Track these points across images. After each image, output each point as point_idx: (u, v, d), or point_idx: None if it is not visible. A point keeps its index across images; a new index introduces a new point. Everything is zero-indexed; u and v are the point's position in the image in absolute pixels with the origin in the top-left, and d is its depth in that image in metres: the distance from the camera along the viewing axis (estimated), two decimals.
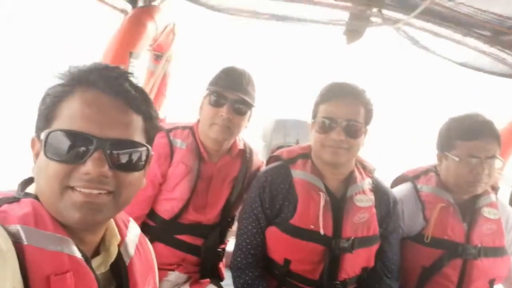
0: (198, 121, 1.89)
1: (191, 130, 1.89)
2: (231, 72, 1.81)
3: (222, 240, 1.96)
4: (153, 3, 2.85)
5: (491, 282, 1.80)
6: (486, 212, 1.81)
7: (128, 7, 2.74)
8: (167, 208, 1.82)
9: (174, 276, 1.85)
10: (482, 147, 1.71)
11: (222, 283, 1.94)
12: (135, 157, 0.86)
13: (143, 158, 0.88)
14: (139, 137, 0.87)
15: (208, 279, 1.88)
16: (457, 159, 1.75)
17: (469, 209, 1.83)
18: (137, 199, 1.69)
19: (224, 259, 2.01)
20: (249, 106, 1.80)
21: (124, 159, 0.83)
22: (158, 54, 3.15)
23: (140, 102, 0.87)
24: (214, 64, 1.89)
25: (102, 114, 0.81)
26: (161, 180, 1.80)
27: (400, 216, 1.85)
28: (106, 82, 0.84)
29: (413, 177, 1.96)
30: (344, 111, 1.59)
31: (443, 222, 1.79)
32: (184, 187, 1.79)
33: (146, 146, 0.88)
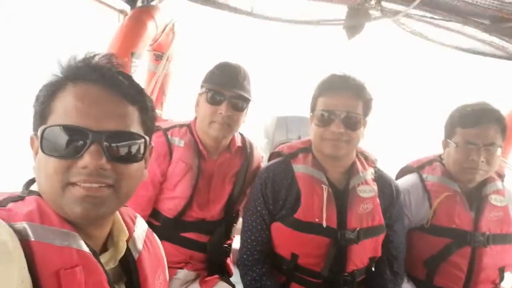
0: (195, 118, 1.89)
1: (189, 127, 1.88)
2: (225, 68, 1.80)
3: (228, 236, 1.95)
4: (152, 3, 2.85)
5: (501, 270, 1.80)
6: (493, 199, 1.81)
7: (127, 8, 2.74)
8: (170, 207, 1.81)
9: (183, 274, 1.85)
10: (480, 134, 1.70)
11: (231, 279, 1.93)
12: (133, 148, 0.85)
13: (142, 148, 0.87)
14: (136, 128, 0.86)
15: (217, 276, 1.87)
16: (455, 145, 1.76)
17: (476, 197, 1.82)
18: (138, 200, 1.72)
19: (231, 255, 2.01)
20: (247, 101, 1.80)
21: (122, 150, 0.83)
22: (159, 54, 3.14)
23: (134, 93, 0.87)
24: (214, 61, 1.88)
25: (96, 106, 0.81)
26: (161, 179, 1.80)
27: (407, 206, 1.85)
28: (98, 74, 0.83)
29: (418, 168, 1.95)
30: (343, 103, 1.58)
31: (450, 211, 1.78)
32: (185, 184, 1.79)
33: (143, 137, 0.87)
